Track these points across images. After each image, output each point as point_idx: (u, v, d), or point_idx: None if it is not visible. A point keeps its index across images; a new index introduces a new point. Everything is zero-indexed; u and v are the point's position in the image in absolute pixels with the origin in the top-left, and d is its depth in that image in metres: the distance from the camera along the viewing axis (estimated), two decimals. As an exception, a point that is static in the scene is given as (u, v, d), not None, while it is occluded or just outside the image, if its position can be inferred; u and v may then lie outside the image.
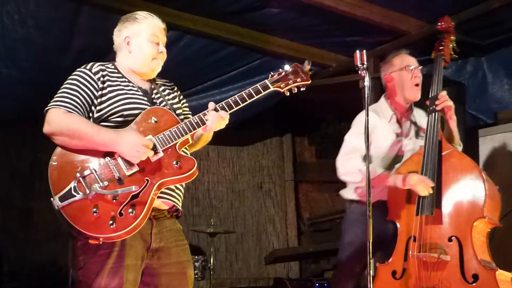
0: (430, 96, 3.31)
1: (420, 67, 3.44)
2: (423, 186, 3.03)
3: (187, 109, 2.76)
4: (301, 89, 2.56)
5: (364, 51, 2.65)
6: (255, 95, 2.49)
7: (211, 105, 2.49)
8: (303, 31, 4.69)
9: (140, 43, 2.59)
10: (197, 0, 4.12)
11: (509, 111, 4.78)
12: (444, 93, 3.28)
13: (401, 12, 4.39)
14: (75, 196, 2.32)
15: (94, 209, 2.31)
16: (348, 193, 3.50)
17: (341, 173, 3.36)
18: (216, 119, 2.45)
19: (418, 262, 3.02)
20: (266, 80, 2.53)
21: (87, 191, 2.32)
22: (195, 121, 2.46)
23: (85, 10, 4.07)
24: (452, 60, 4.97)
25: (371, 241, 2.53)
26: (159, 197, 2.45)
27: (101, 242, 2.30)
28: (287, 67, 2.56)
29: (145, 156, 2.36)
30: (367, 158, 2.65)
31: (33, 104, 3.36)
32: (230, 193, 6.95)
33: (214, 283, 5.43)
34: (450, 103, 3.26)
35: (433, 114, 3.24)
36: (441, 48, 3.39)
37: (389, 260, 3.15)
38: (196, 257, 5.16)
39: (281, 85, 2.53)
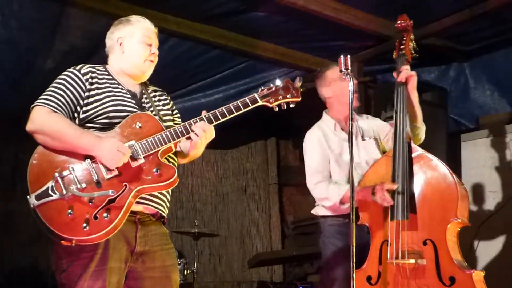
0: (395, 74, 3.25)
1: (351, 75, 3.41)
2: (384, 197, 3.01)
3: (179, 119, 2.75)
4: (291, 106, 2.55)
5: (348, 56, 2.66)
6: (242, 108, 2.48)
7: (203, 113, 2.49)
8: (289, 35, 4.71)
9: (133, 44, 2.60)
10: (182, 3, 4.11)
11: (490, 116, 4.83)
12: (406, 66, 3.20)
13: (385, 17, 4.42)
14: (51, 195, 2.31)
15: (69, 210, 2.29)
16: (320, 211, 3.45)
17: (316, 199, 3.42)
18: (203, 128, 2.44)
19: (395, 268, 2.99)
20: (255, 94, 2.51)
21: (64, 192, 2.31)
22: (180, 130, 2.45)
23: (69, 12, 4.04)
24: (435, 66, 5.09)
25: (354, 245, 2.53)
26: (141, 202, 2.44)
27: (73, 244, 2.28)
28: (278, 82, 2.54)
29: (121, 162, 2.34)
30: (350, 163, 2.65)
31: (15, 105, 3.34)
32: (214, 196, 6.93)
33: (198, 287, 5.41)
34: (413, 72, 3.17)
35: (400, 87, 3.18)
36: (402, 47, 3.31)
37: (363, 266, 3.11)
38: (179, 260, 5.14)
39: (270, 100, 2.52)
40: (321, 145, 3.41)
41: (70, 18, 4.09)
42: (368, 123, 3.53)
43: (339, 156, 3.39)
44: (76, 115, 2.47)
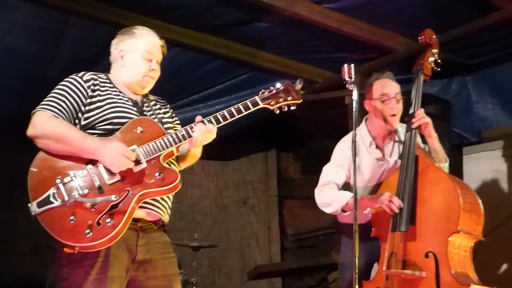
0: (408, 114, 3.31)
1: (398, 93, 3.38)
2: (389, 207, 3.05)
3: (179, 126, 2.74)
4: (291, 108, 2.56)
5: (352, 65, 2.66)
6: (244, 111, 2.48)
7: (198, 118, 2.48)
8: (291, 46, 4.71)
9: (134, 59, 2.60)
10: (185, 13, 4.11)
11: (493, 130, 4.83)
12: (421, 110, 3.26)
13: (388, 29, 4.42)
14: (53, 202, 2.30)
15: (72, 217, 2.27)
16: (341, 218, 3.50)
17: (318, 204, 3.43)
18: (203, 132, 2.44)
19: (394, 279, 3.01)
20: (256, 97, 2.52)
21: (66, 198, 2.30)
22: (181, 133, 2.45)
23: (73, 20, 4.04)
24: (438, 79, 5.10)
25: (357, 255, 2.52)
26: (143, 207, 2.43)
27: (76, 251, 2.27)
28: (278, 85, 2.56)
29: (126, 166, 2.33)
30: (354, 171, 2.65)
31: (16, 114, 3.32)
32: (214, 207, 6.89)
33: (197, 299, 5.36)
34: (427, 119, 3.24)
35: (410, 131, 3.24)
36: (421, 62, 3.37)
37: (373, 277, 3.14)
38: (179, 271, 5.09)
39: (271, 103, 2.53)
40: (346, 161, 3.38)
41: (74, 26, 4.09)
42: None
43: (365, 177, 3.38)
44: (77, 121, 2.47)
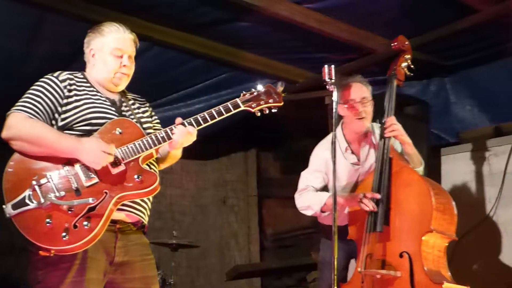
0: (381, 121, 3.33)
1: (364, 98, 3.38)
2: (367, 202, 3.08)
3: (159, 125, 2.71)
4: (273, 110, 2.55)
5: (333, 66, 2.67)
6: (224, 113, 2.47)
7: (178, 120, 2.46)
8: (272, 46, 4.70)
9: (103, 57, 2.55)
10: (166, 12, 4.08)
11: (470, 131, 4.88)
12: (391, 118, 3.28)
13: (368, 30, 4.45)
14: (28, 204, 2.25)
15: (48, 220, 2.23)
16: (322, 219, 3.53)
17: (298, 208, 3.47)
18: (183, 134, 2.42)
19: (370, 279, 3.04)
20: (237, 99, 2.51)
21: (42, 200, 2.25)
22: (161, 135, 2.42)
23: (51, 18, 3.98)
24: (417, 80, 5.13)
25: (336, 257, 2.53)
26: (122, 209, 2.40)
27: (52, 254, 2.23)
28: (260, 87, 2.54)
29: (106, 162, 2.30)
30: (333, 171, 2.65)
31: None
32: (193, 207, 6.86)
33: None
34: (397, 130, 3.25)
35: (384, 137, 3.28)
36: (394, 67, 3.42)
37: (349, 279, 3.16)
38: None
39: (252, 105, 2.51)
40: (323, 166, 3.42)
41: (53, 24, 4.03)
42: None
43: (342, 182, 3.39)
44: (54, 122, 2.42)
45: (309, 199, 3.38)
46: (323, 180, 3.44)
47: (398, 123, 3.27)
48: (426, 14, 4.17)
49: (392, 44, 3.46)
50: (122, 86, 2.61)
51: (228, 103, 2.49)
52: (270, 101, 2.53)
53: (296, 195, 3.47)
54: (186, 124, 2.43)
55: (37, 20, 3.99)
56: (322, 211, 3.34)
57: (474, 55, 4.73)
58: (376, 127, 3.49)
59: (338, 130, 3.50)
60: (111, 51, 2.54)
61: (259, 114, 2.53)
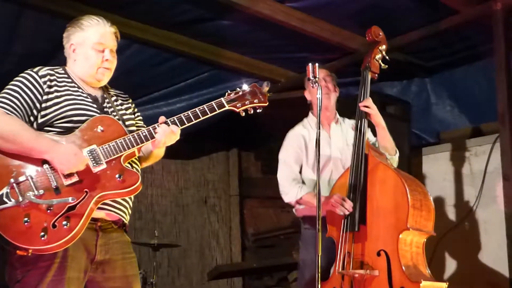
0: (357, 108, 3.31)
1: (325, 76, 3.55)
2: (339, 209, 3.10)
3: (141, 122, 2.68)
4: (258, 111, 2.53)
5: (317, 64, 2.65)
6: (209, 113, 2.44)
7: (162, 119, 2.42)
8: (254, 45, 4.69)
9: (84, 51, 2.50)
10: (146, 9, 4.04)
11: (450, 131, 4.92)
12: (365, 100, 3.26)
13: (350, 30, 4.45)
14: (6, 203, 2.19)
15: (26, 219, 2.18)
16: (298, 212, 3.53)
17: (280, 192, 3.52)
18: (166, 133, 2.38)
19: (349, 279, 3.03)
20: (222, 98, 2.48)
21: (20, 199, 2.20)
22: (144, 134, 2.38)
23: (28, 14, 3.92)
24: (398, 80, 5.15)
25: (320, 254, 2.51)
26: (103, 208, 2.36)
27: (30, 254, 2.18)
28: (245, 87, 2.52)
29: (76, 168, 2.25)
30: (317, 170, 2.64)
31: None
32: (174, 207, 6.81)
33: (155, 300, 5.27)
34: (372, 108, 3.25)
35: (359, 123, 3.24)
36: (368, 59, 3.34)
37: (329, 278, 3.14)
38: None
39: (237, 105, 2.49)
40: (298, 144, 3.52)
41: (30, 20, 3.96)
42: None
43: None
44: (32, 119, 2.37)
45: (288, 187, 3.44)
46: (299, 157, 3.51)
47: (374, 105, 3.27)
48: (406, 15, 4.19)
49: (366, 36, 3.39)
50: (105, 81, 2.57)
51: (213, 103, 2.45)
52: (255, 101, 2.50)
53: (278, 176, 3.52)
54: (169, 123, 2.40)
55: (14, 16, 3.92)
56: (297, 203, 3.43)
57: (453, 57, 4.76)
58: (349, 124, 3.58)
59: (309, 115, 3.68)
60: (92, 46, 2.48)
61: (243, 114, 2.51)
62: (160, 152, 2.57)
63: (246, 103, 2.49)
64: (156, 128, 2.39)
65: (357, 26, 4.36)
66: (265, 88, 2.52)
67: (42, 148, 2.25)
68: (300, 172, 3.51)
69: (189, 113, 2.43)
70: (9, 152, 2.27)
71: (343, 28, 4.42)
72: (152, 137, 2.38)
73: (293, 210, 3.57)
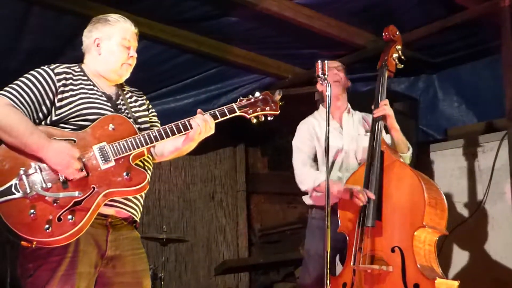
0: (373, 107, 3.33)
1: (336, 66, 3.54)
2: (361, 197, 3.09)
3: (155, 118, 2.69)
4: (269, 118, 2.53)
5: (326, 61, 2.65)
6: (220, 117, 2.46)
7: (199, 112, 2.45)
8: (261, 41, 4.69)
9: (111, 46, 2.50)
10: (154, 5, 4.05)
11: (458, 127, 4.90)
12: (385, 101, 3.29)
13: (358, 26, 4.45)
14: (14, 194, 2.21)
15: (32, 210, 2.19)
16: (307, 199, 3.54)
17: (296, 180, 3.50)
18: (203, 125, 2.41)
19: (361, 274, 3.04)
20: (233, 104, 2.49)
21: (28, 191, 2.21)
22: (154, 134, 2.40)
23: (36, 10, 3.93)
24: (405, 77, 5.15)
25: (329, 251, 2.52)
26: (113, 206, 2.37)
27: (34, 246, 2.19)
28: (257, 94, 2.52)
29: (71, 168, 2.25)
30: (326, 169, 2.64)
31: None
32: (181, 202, 6.83)
33: (163, 294, 5.31)
34: (389, 111, 3.27)
35: (375, 123, 3.26)
36: (385, 58, 3.38)
37: (340, 273, 3.16)
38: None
39: (249, 111, 2.49)
40: (309, 132, 3.53)
41: (38, 17, 3.97)
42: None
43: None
44: (41, 115, 2.37)
45: (304, 175, 3.42)
46: (313, 148, 3.51)
47: (391, 108, 3.28)
48: (413, 11, 4.18)
49: (383, 34, 3.43)
50: (126, 77, 2.59)
51: (224, 108, 2.47)
52: (266, 108, 2.51)
53: (294, 163, 3.51)
54: (205, 117, 2.42)
55: (22, 13, 3.93)
56: (315, 190, 3.39)
57: (461, 53, 4.75)
58: (360, 116, 3.58)
59: (321, 109, 3.66)
60: (119, 41, 2.50)
61: (254, 121, 2.51)
62: (189, 147, 2.56)
63: (257, 110, 2.50)
64: (160, 130, 2.40)
65: (364, 22, 4.37)
66: (277, 96, 2.53)
67: (34, 145, 2.25)
68: (315, 160, 3.52)
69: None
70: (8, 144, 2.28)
71: (350, 25, 4.42)
72: (162, 138, 2.39)
73: (305, 198, 3.56)
